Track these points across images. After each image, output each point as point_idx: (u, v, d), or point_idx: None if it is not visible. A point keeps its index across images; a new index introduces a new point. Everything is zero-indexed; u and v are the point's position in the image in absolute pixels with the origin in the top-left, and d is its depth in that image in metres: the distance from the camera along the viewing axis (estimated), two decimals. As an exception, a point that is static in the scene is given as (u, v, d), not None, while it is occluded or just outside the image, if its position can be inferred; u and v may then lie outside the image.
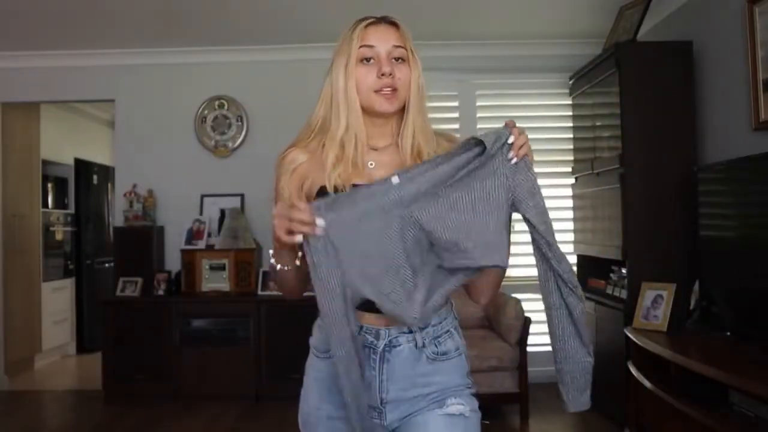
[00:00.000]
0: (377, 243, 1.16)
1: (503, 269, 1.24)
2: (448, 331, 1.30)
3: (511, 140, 1.19)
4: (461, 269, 1.18)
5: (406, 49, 1.28)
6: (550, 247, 1.19)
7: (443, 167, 1.17)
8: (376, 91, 1.26)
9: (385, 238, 1.16)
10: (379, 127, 1.31)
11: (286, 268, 1.25)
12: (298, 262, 1.24)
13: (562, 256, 1.20)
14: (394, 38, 1.28)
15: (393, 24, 1.30)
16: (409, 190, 1.16)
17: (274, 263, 1.26)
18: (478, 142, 1.18)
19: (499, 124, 1.24)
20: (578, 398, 1.28)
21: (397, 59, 1.27)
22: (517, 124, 1.24)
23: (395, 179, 1.17)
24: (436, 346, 1.28)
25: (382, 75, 1.25)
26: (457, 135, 1.44)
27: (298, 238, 1.15)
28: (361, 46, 1.26)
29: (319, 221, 1.14)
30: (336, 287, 1.16)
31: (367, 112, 1.29)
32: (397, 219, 1.16)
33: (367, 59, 1.27)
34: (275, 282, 1.33)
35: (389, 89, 1.26)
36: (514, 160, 1.18)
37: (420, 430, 1.26)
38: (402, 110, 1.30)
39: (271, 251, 1.28)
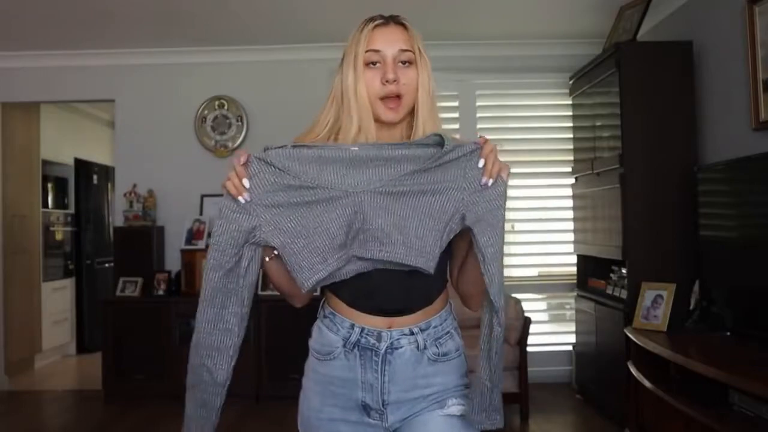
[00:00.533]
0: (311, 208, 1.17)
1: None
2: (448, 332, 1.30)
3: (480, 164, 1.17)
4: (381, 262, 1.18)
5: (414, 52, 1.26)
6: (484, 265, 1.16)
7: (402, 150, 1.17)
8: (381, 99, 1.24)
9: (321, 208, 1.17)
10: (387, 131, 1.29)
11: (266, 258, 1.25)
12: (275, 252, 1.23)
13: (494, 276, 1.16)
14: (402, 41, 1.25)
15: (401, 25, 1.28)
16: (365, 153, 1.16)
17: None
18: (440, 141, 1.17)
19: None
20: (479, 416, 1.22)
21: (404, 62, 1.25)
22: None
23: (354, 147, 1.17)
24: (437, 347, 1.28)
25: (387, 82, 1.23)
26: (457, 135, 1.42)
27: (241, 199, 1.17)
28: (367, 50, 1.25)
29: (245, 182, 1.17)
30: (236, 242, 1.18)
31: (374, 118, 1.27)
32: (340, 194, 1.16)
33: (374, 63, 1.25)
34: (273, 284, 1.32)
35: (394, 97, 1.24)
36: (490, 182, 1.17)
37: (421, 430, 1.26)
38: (411, 113, 1.28)
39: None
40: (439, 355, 1.27)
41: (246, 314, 1.23)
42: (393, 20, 1.28)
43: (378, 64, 1.25)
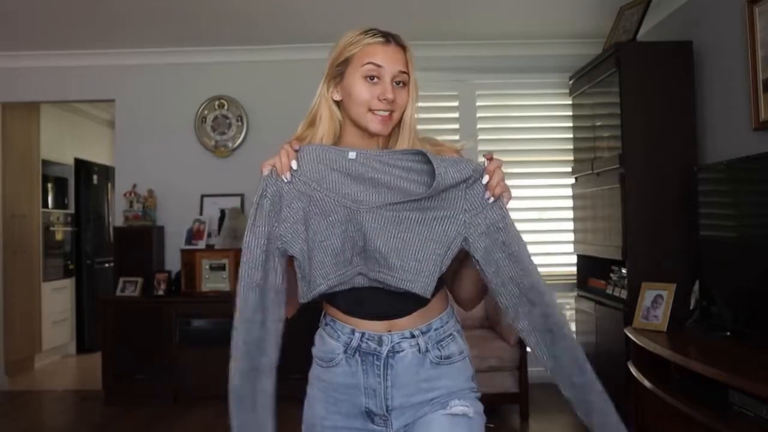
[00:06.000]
0: (321, 219, 1.20)
1: (483, 289, 1.27)
2: (450, 334, 1.29)
3: (485, 180, 1.20)
4: (380, 283, 1.20)
5: (409, 75, 1.28)
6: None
7: (399, 163, 1.20)
8: (371, 110, 1.25)
9: (328, 221, 1.19)
10: (367, 139, 1.30)
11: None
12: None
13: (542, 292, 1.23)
14: (402, 63, 1.27)
15: (401, 46, 1.29)
16: (361, 171, 1.20)
17: None
18: (426, 160, 1.19)
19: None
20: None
21: (398, 83, 1.27)
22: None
23: (352, 154, 1.20)
24: (439, 350, 1.27)
25: (384, 99, 1.24)
26: (457, 137, 1.43)
27: (265, 171, 1.23)
28: (368, 63, 1.25)
29: (293, 164, 1.21)
30: (262, 239, 1.20)
31: (359, 127, 1.28)
32: (344, 209, 1.19)
33: (371, 77, 1.25)
34: None
35: (386, 112, 1.25)
36: (491, 199, 1.20)
37: (424, 430, 1.25)
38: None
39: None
40: (441, 358, 1.27)
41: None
42: (395, 40, 1.29)
43: (375, 80, 1.25)
